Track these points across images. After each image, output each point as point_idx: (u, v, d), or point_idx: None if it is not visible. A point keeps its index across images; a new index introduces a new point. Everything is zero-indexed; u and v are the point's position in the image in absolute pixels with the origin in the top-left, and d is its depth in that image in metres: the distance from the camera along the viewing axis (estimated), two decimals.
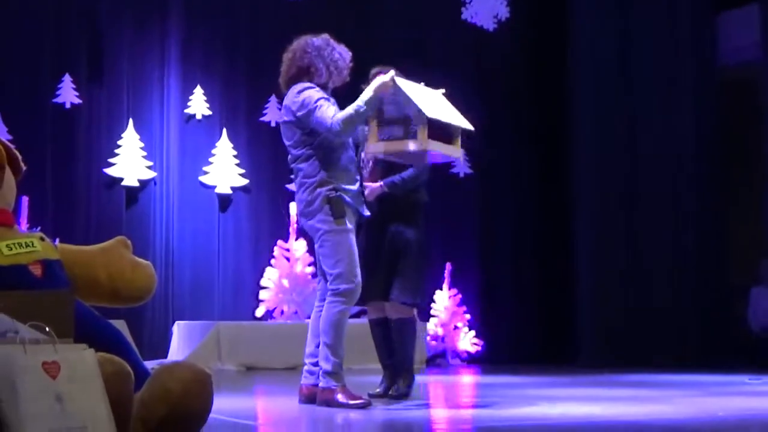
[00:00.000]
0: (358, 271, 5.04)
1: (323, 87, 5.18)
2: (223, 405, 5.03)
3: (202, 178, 9.67)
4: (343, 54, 5.26)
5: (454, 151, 5.17)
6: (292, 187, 10.02)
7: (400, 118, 4.97)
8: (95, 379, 2.61)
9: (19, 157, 3.28)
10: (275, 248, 9.54)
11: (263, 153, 9.95)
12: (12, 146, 3.26)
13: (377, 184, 5.69)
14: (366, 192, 5.63)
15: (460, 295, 10.22)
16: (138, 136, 9.38)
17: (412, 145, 4.94)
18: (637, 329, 9.77)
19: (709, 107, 10.15)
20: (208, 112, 9.72)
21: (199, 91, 9.66)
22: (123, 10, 9.46)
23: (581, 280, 10.00)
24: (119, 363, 2.73)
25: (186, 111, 9.66)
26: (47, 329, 2.61)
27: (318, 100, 5.03)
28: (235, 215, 9.86)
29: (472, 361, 10.04)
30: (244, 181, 9.80)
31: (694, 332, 9.81)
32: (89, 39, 9.33)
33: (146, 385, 2.88)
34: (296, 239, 9.50)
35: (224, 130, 9.79)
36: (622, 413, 5.00)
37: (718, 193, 10.16)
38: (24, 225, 8.09)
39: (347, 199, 5.06)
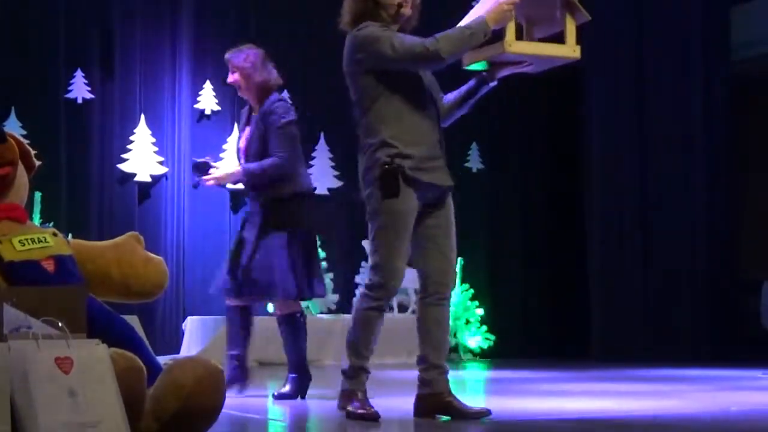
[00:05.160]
0: (400, 263, 4.21)
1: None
2: (235, 400, 5.04)
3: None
4: None
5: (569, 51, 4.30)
6: None
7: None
8: (108, 374, 2.62)
9: (32, 152, 3.29)
10: None
11: None
12: (25, 142, 3.27)
13: (237, 169, 5.52)
14: (222, 175, 5.51)
15: (471, 290, 10.21)
16: (150, 132, 9.39)
17: (560, 50, 4.25)
18: (648, 324, 9.76)
19: (722, 101, 10.11)
20: (218, 108, 9.73)
21: (208, 86, 9.66)
22: (134, 4, 9.47)
23: (592, 274, 9.98)
24: (132, 358, 2.74)
25: (196, 106, 9.67)
26: (60, 324, 2.62)
27: (387, 33, 4.22)
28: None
29: (484, 355, 10.03)
30: None
31: (706, 327, 9.78)
32: (101, 34, 9.35)
33: (158, 381, 2.89)
34: None
35: (235, 126, 9.78)
36: (634, 408, 4.99)
37: (729, 188, 10.13)
38: (37, 221, 8.11)
39: (408, 172, 4.15)
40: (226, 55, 5.79)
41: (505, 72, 4.42)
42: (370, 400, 4.26)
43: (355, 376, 4.25)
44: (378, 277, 4.19)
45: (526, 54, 4.29)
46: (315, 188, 6.05)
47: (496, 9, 4.13)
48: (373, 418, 4.16)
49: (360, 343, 4.25)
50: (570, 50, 4.26)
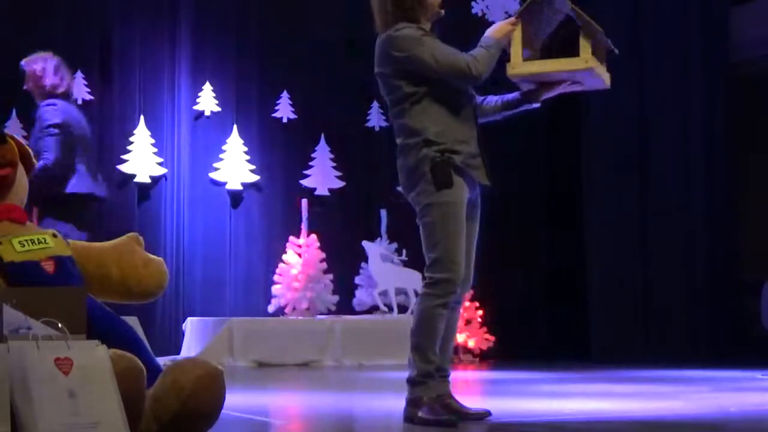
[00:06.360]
0: (461, 257, 4.13)
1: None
2: (236, 401, 5.04)
3: (213, 175, 9.68)
4: None
5: (580, 63, 4.22)
6: (305, 182, 10.09)
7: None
8: (108, 375, 2.62)
9: (31, 153, 3.29)
10: (287, 244, 9.54)
11: (275, 149, 9.96)
12: (24, 143, 3.27)
13: None
14: None
15: (471, 291, 10.19)
16: (149, 133, 9.39)
17: (569, 64, 4.17)
18: (649, 325, 9.75)
19: (722, 103, 10.10)
20: (218, 109, 9.73)
21: (207, 87, 9.66)
22: (134, 6, 9.47)
23: (592, 275, 9.97)
24: (131, 359, 2.74)
25: (195, 108, 9.67)
26: (60, 325, 2.62)
27: (428, 39, 4.17)
28: (247, 211, 9.86)
29: (484, 356, 10.02)
30: (256, 177, 9.80)
31: (706, 328, 9.77)
32: (100, 35, 9.35)
33: (158, 382, 2.89)
34: (308, 234, 9.50)
35: (235, 127, 9.79)
36: (634, 409, 4.99)
37: (729, 188, 10.12)
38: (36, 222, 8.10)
39: (457, 163, 4.13)
40: (21, 62, 5.81)
41: (549, 94, 4.45)
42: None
43: (422, 382, 4.07)
44: (442, 272, 4.07)
45: (533, 73, 4.25)
46: (92, 193, 6.04)
47: (500, 24, 4.25)
48: (449, 423, 3.93)
49: (427, 346, 4.08)
50: (582, 62, 4.17)
